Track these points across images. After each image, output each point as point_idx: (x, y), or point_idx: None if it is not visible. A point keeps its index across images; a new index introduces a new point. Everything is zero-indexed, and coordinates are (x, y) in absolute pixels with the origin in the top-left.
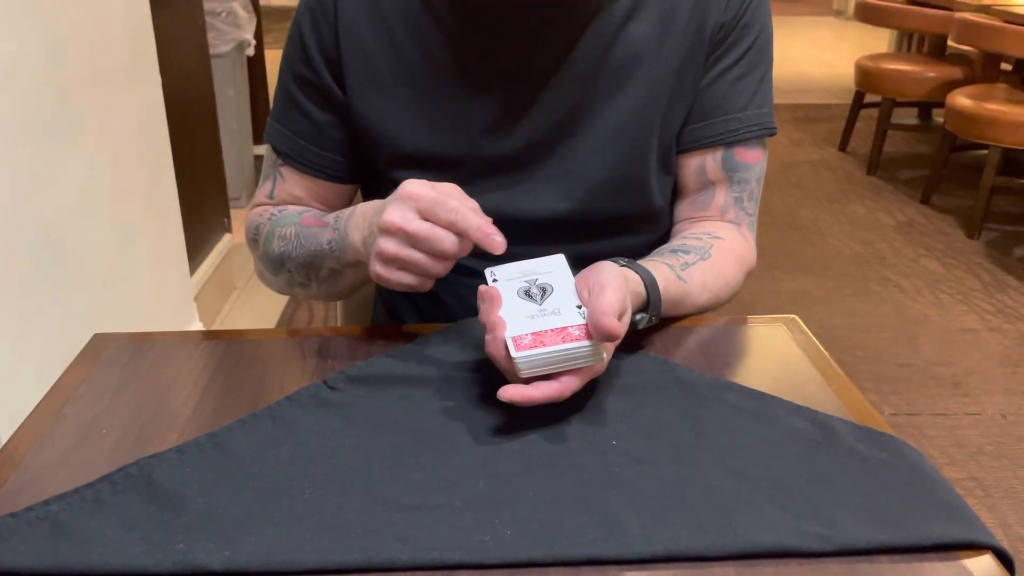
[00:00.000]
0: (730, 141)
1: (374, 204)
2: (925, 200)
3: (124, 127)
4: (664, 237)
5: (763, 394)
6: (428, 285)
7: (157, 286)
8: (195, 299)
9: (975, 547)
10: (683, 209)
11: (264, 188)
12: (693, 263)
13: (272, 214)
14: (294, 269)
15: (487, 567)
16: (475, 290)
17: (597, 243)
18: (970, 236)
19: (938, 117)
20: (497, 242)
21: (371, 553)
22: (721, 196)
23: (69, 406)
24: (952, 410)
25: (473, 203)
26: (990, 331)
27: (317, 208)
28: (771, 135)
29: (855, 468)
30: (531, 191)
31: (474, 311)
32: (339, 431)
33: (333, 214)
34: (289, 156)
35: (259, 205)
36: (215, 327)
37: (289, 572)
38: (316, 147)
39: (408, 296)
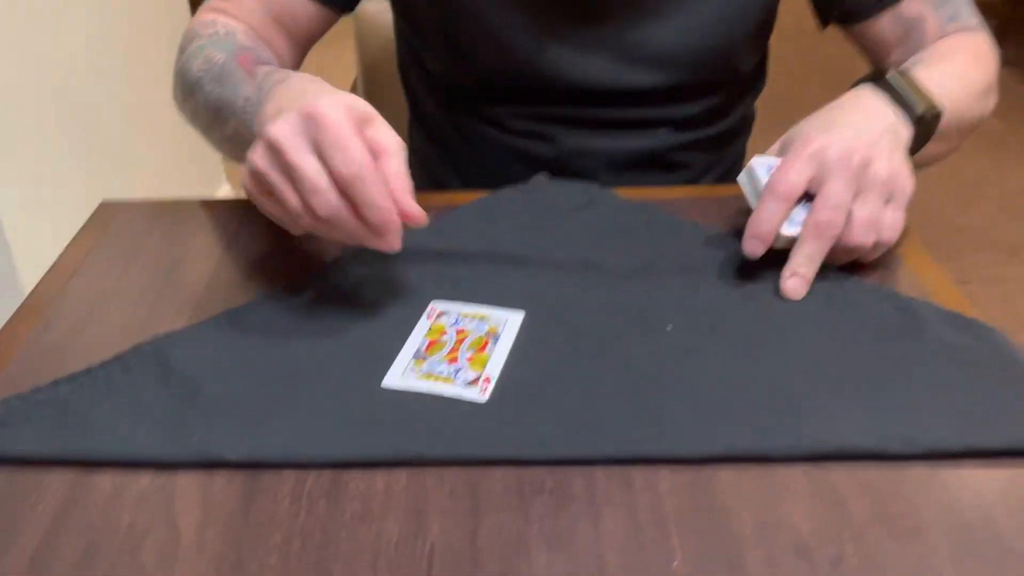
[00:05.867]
0: None
1: (302, 87)
2: None
3: None
4: (749, 87)
5: (838, 272)
6: (290, 227)
7: (180, 146)
8: (223, 160)
9: None
10: (897, 59)
11: None
12: (930, 59)
13: (215, 31)
14: (201, 105)
15: (526, 463)
16: (521, 152)
17: (679, 106)
18: None
19: None
20: (391, 239)
21: (400, 447)
22: (932, 25)
23: (74, 281)
24: (1008, 277)
25: (396, 169)
26: None
27: (273, 36)
28: None
29: (943, 361)
30: (607, 62)
31: (521, 176)
32: (372, 311)
33: (266, 69)
34: None
35: (212, 11)
36: None
37: (311, 465)
38: None
39: (449, 159)
